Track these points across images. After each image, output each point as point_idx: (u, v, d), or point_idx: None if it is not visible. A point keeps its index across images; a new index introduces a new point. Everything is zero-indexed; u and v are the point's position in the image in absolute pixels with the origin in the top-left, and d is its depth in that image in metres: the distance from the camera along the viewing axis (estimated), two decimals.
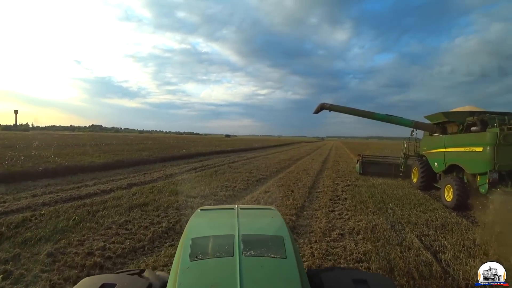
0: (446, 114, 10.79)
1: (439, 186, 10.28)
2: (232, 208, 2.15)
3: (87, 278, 1.63)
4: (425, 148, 12.11)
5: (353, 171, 16.39)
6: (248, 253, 1.39)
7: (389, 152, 34.35)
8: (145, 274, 1.71)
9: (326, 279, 1.60)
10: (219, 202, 8.25)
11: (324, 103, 14.41)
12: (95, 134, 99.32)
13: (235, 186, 10.39)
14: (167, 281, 1.41)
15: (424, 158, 12.10)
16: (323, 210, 7.62)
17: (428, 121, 12.86)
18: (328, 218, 6.95)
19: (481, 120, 9.16)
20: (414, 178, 12.46)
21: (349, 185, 11.49)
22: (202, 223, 2.03)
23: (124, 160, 16.33)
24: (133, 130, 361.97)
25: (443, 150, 10.15)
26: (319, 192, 10.05)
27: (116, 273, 1.86)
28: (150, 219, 6.40)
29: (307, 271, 1.71)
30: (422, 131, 13.43)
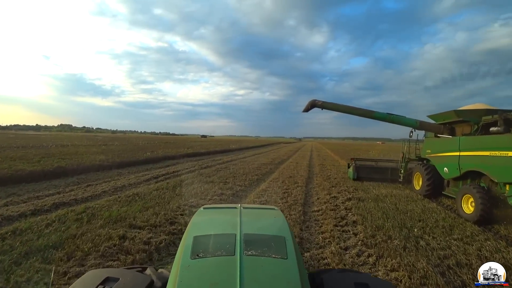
0: (459, 112, 9.53)
1: (450, 195, 9.41)
2: (235, 207, 2.18)
3: (92, 270, 1.70)
4: (429, 151, 10.90)
5: (345, 177, 14.26)
6: (249, 252, 1.40)
7: (374, 154, 33.20)
8: (147, 271, 1.73)
9: (327, 281, 1.59)
10: (177, 237, 5.57)
11: (316, 100, 12.57)
12: (61, 134, 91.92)
13: (204, 205, 7.71)
14: (165, 279, 1.54)
15: (428, 162, 10.90)
16: (332, 247, 5.11)
17: (432, 121, 11.44)
18: (343, 265, 4.50)
19: (505, 119, 7.70)
20: (417, 185, 11.19)
21: (350, 199, 9.16)
22: (204, 222, 2.04)
23: (68, 167, 12.99)
24: (105, 130, 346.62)
25: (456, 153, 8.86)
26: (317, 212, 7.58)
27: (119, 268, 2.10)
28: None
29: (309, 273, 1.71)
30: (421, 133, 12.27)
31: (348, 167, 15.02)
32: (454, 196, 8.82)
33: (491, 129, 8.04)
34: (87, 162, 15.05)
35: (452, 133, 10.15)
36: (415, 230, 6.34)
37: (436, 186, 10.09)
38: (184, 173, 13.82)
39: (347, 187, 11.45)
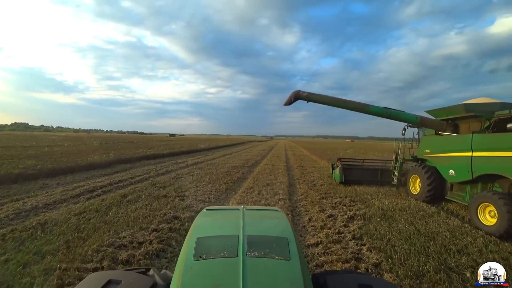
0: (469, 106, 8.43)
1: (454, 200, 8.65)
2: (238, 209, 2.14)
3: (94, 273, 1.70)
4: (428, 150, 9.79)
5: (331, 182, 12.18)
6: (252, 254, 1.40)
7: (353, 153, 31.76)
8: (150, 272, 1.72)
9: (331, 283, 1.58)
10: None
11: (300, 91, 10.76)
12: (12, 134, 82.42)
13: (142, 245, 4.94)
14: (168, 280, 1.52)
15: (426, 163, 9.94)
16: None
17: (431, 117, 10.17)
18: None
19: None
20: (414, 188, 10.14)
21: (352, 218, 6.89)
22: (207, 223, 2.02)
23: None
24: (66, 129, 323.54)
25: (467, 154, 7.75)
26: (315, 247, 5.13)
27: (120, 270, 1.98)
28: None
29: (312, 274, 1.72)
30: (412, 130, 11.33)
31: (333, 168, 13.45)
32: (460, 202, 8.34)
33: (509, 125, 6.93)
34: (3, 170, 11.49)
35: (456, 130, 9.12)
36: (468, 274, 4.20)
37: (437, 190, 9.11)
38: (132, 183, 10.74)
39: (340, 197, 9.21)
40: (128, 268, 2.02)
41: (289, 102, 11.03)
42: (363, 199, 8.99)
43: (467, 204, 7.80)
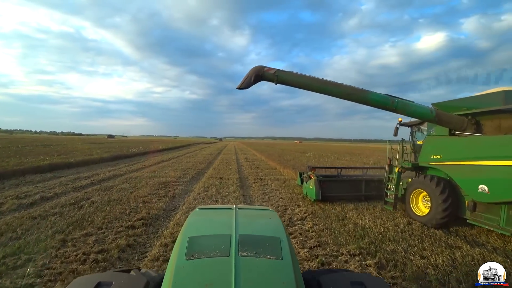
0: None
1: (479, 224, 6.38)
2: (230, 208, 2.15)
3: (80, 277, 1.61)
4: (438, 156, 7.32)
5: (314, 210, 8.07)
6: (244, 253, 1.40)
7: (314, 158, 28.22)
8: (139, 272, 1.68)
9: (324, 282, 1.59)
10: None
11: (264, 67, 7.19)
12: None
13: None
14: (158, 280, 1.53)
15: (436, 173, 7.42)
16: None
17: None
18: None
19: None
20: (417, 208, 7.66)
21: None
22: (199, 222, 2.02)
23: None
24: None
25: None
26: None
27: (106, 272, 1.90)
28: None
29: (304, 273, 1.72)
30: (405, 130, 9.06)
31: (302, 181, 10.54)
32: (489, 227, 6.20)
33: None
34: None
35: (478, 129, 6.89)
36: None
37: (454, 211, 6.83)
38: None
39: (338, 251, 4.92)
40: (116, 270, 1.94)
41: (248, 85, 7.14)
42: (372, 239, 4.70)
43: (502, 232, 5.92)
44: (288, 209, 8.14)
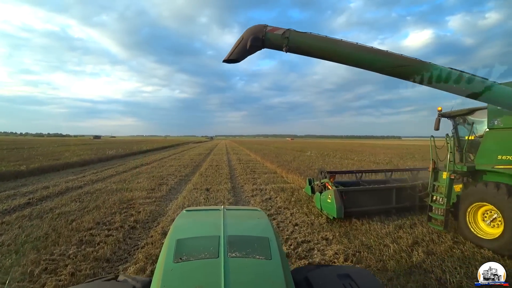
0: None
1: None
2: (218, 209, 2.11)
3: None
4: (509, 157, 5.14)
5: (334, 229, 5.34)
6: (233, 254, 1.38)
7: (315, 157, 25.27)
8: (121, 278, 1.63)
9: (312, 277, 1.60)
10: None
11: (266, 26, 4.70)
12: None
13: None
14: (146, 284, 1.48)
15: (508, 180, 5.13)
16: None
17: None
18: None
19: None
20: (478, 228, 5.44)
21: None
22: (187, 224, 1.99)
23: None
24: None
25: None
26: None
27: (91, 281, 1.78)
28: None
29: (292, 271, 1.69)
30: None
31: (313, 189, 8.15)
32: None
33: None
34: None
35: None
36: None
37: None
38: None
39: None
40: (96, 278, 1.86)
41: (241, 54, 4.81)
42: None
43: None
44: (314, 249, 5.08)
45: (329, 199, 6.71)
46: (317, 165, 16.20)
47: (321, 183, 7.75)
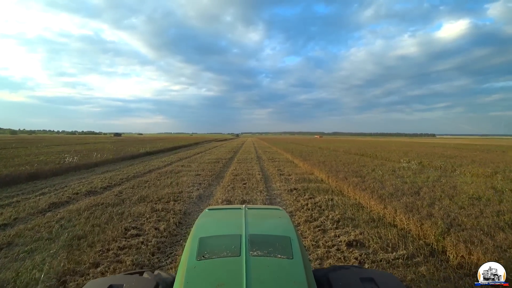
0: None
1: None
2: (240, 208, 2.10)
3: (92, 281, 1.62)
4: None
5: None
6: (255, 253, 1.36)
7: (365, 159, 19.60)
8: (146, 275, 1.65)
9: (333, 279, 1.56)
10: None
11: None
12: None
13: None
14: (170, 281, 1.50)
15: None
16: None
17: None
18: None
19: None
20: None
21: None
22: (209, 223, 1.98)
23: None
24: (3, 130, 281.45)
25: None
26: None
27: (122, 275, 1.80)
28: None
29: (314, 271, 1.63)
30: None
31: None
32: None
33: None
34: None
35: None
36: None
37: None
38: None
39: None
40: (129, 272, 1.88)
41: None
42: None
43: None
44: None
45: None
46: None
47: None
